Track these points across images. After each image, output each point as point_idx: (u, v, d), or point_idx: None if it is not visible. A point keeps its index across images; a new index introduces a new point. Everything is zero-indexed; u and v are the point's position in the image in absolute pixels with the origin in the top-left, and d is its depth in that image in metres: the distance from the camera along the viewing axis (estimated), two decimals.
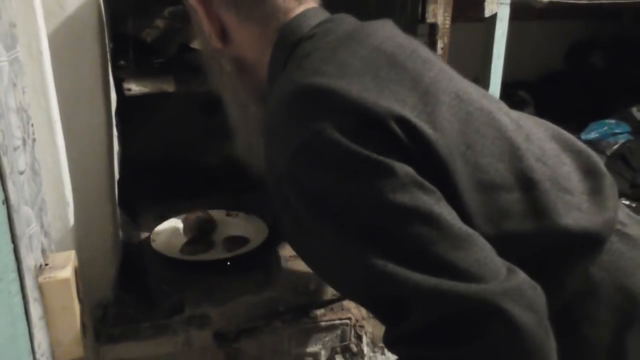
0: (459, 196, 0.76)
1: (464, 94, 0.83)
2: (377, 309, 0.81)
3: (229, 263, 1.36)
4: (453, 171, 0.76)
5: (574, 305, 0.84)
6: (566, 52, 2.62)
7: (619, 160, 2.07)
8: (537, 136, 0.87)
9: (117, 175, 1.21)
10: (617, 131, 2.21)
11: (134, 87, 1.29)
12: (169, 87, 1.33)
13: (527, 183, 0.81)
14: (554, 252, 0.82)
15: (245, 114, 1.00)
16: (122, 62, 1.37)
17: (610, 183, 0.88)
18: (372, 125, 0.74)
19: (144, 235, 1.50)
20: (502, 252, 0.76)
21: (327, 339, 1.26)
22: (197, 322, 1.19)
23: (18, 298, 0.70)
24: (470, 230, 0.74)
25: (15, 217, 0.67)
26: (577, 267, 0.83)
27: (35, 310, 0.77)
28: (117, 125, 1.20)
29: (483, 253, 0.72)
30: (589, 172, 0.88)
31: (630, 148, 2.09)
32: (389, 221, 0.72)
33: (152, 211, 1.60)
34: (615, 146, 2.13)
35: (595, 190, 0.86)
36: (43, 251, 0.86)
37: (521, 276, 0.72)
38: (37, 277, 0.80)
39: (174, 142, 1.75)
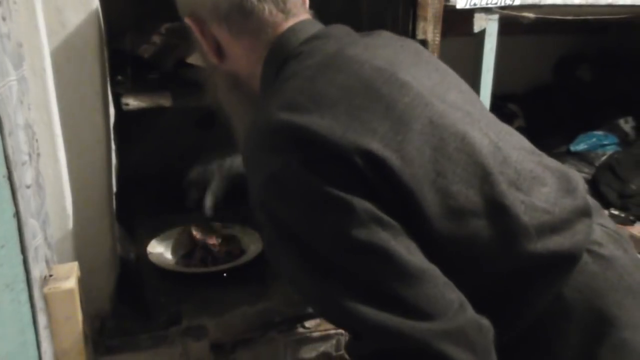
0: (427, 224, 0.78)
1: (439, 119, 0.83)
2: (338, 327, 0.86)
3: (225, 275, 1.38)
4: (420, 200, 0.78)
5: (547, 324, 0.84)
6: (554, 66, 2.65)
7: (607, 171, 2.10)
8: (517, 158, 0.87)
9: (114, 189, 1.23)
10: (605, 142, 2.25)
11: (132, 102, 1.31)
12: (166, 101, 1.35)
13: (497, 209, 0.81)
14: (524, 275, 0.83)
15: (244, 127, 1.01)
16: (119, 78, 1.38)
17: (584, 205, 0.88)
18: (336, 160, 0.76)
19: (142, 247, 1.51)
20: (469, 276, 0.80)
21: (322, 348, 1.28)
22: (194, 333, 1.20)
23: (27, 307, 0.72)
24: (424, 265, 0.76)
25: (24, 229, 0.70)
26: (547, 288, 0.84)
27: (41, 320, 0.79)
28: (114, 140, 1.22)
29: (435, 289, 0.75)
30: (568, 193, 0.89)
31: (618, 159, 2.12)
32: (344, 255, 0.76)
33: (149, 224, 1.61)
34: (604, 157, 2.16)
35: (570, 211, 0.86)
36: (47, 262, 0.88)
37: (468, 315, 0.75)
38: (42, 287, 0.82)
39: (170, 155, 1.77)
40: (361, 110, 0.81)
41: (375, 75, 0.85)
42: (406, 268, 0.74)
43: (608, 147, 2.23)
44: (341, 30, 0.97)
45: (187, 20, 0.97)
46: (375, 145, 0.77)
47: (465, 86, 0.99)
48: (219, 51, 0.98)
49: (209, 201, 1.40)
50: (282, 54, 0.93)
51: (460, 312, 0.75)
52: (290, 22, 0.95)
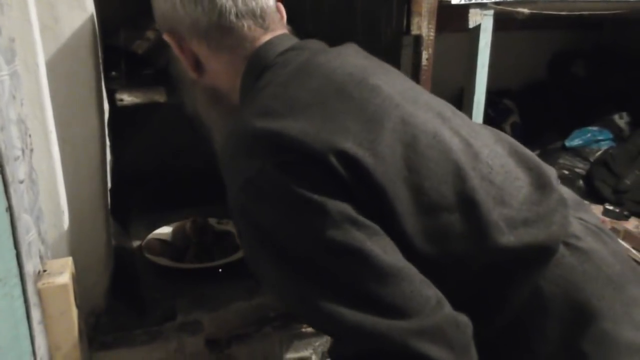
0: (399, 220, 0.79)
1: (410, 118, 0.85)
2: (319, 330, 0.89)
3: (220, 270, 1.38)
4: (392, 196, 0.79)
5: (525, 320, 0.85)
6: (549, 62, 2.66)
7: (602, 167, 2.10)
8: (488, 154, 0.88)
9: (109, 184, 1.23)
10: (599, 138, 2.25)
11: (126, 98, 1.31)
12: (161, 97, 1.35)
13: (469, 203, 0.82)
14: (500, 269, 0.84)
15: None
16: (113, 73, 1.38)
17: (558, 198, 0.89)
18: (311, 162, 0.77)
19: (136, 243, 1.51)
20: (445, 272, 0.81)
21: (317, 343, 1.28)
22: (189, 328, 1.21)
23: (20, 302, 0.73)
24: (400, 264, 0.77)
25: (17, 224, 0.70)
26: (525, 281, 0.84)
27: (35, 315, 0.79)
28: (108, 135, 1.22)
29: (411, 287, 0.76)
30: (540, 187, 0.89)
31: (613, 154, 2.12)
32: (321, 257, 0.76)
33: (144, 220, 1.61)
34: (598, 153, 2.17)
35: (544, 204, 0.87)
36: (40, 258, 0.88)
37: (445, 311, 0.76)
38: (35, 282, 0.82)
39: (165, 151, 1.77)
40: (333, 112, 0.82)
41: (346, 80, 0.88)
42: (382, 268, 0.75)
43: (603, 143, 2.23)
44: (316, 44, 0.99)
45: (166, 36, 0.99)
46: (349, 145, 0.78)
47: (432, 95, 1.00)
48: (198, 66, 1.00)
49: None
50: (259, 65, 0.95)
51: (437, 309, 0.76)
52: (269, 36, 0.97)
